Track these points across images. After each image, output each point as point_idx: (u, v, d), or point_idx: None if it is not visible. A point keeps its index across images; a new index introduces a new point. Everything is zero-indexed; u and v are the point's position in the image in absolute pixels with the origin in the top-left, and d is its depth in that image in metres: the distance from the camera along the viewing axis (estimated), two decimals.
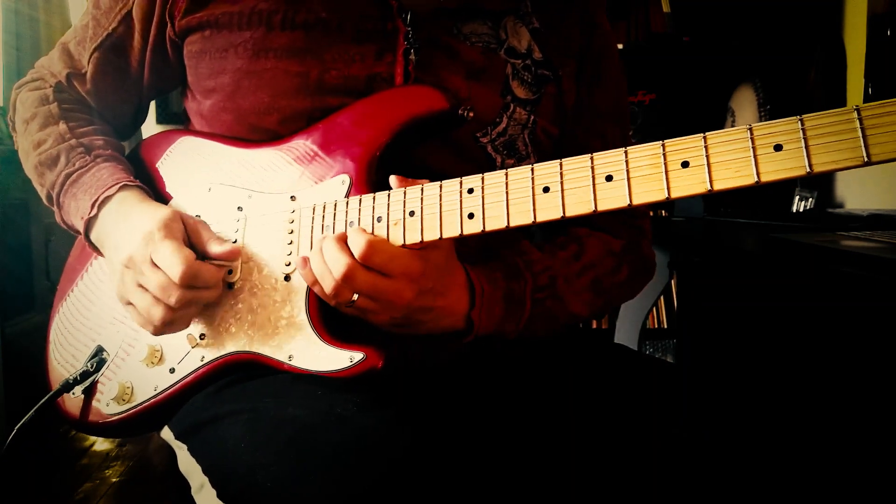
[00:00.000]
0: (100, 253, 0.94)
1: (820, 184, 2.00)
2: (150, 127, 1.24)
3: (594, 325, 2.72)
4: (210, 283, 0.84)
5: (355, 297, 0.77)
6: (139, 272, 0.83)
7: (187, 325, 0.86)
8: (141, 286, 0.83)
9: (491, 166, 0.93)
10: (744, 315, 1.78)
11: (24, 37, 2.89)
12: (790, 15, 2.20)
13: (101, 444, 2.41)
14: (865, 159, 0.57)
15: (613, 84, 1.04)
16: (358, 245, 0.75)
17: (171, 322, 0.83)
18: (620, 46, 2.63)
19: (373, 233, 0.79)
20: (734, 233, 1.70)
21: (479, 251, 0.91)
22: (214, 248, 0.85)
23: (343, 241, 0.77)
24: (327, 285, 0.77)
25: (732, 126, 2.20)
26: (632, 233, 1.03)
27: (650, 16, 2.55)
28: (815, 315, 1.44)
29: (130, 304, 0.86)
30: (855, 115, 0.58)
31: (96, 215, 0.90)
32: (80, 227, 0.92)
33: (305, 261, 0.79)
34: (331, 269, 0.76)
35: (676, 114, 2.29)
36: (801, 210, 1.92)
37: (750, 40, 2.27)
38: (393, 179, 0.79)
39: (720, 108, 2.23)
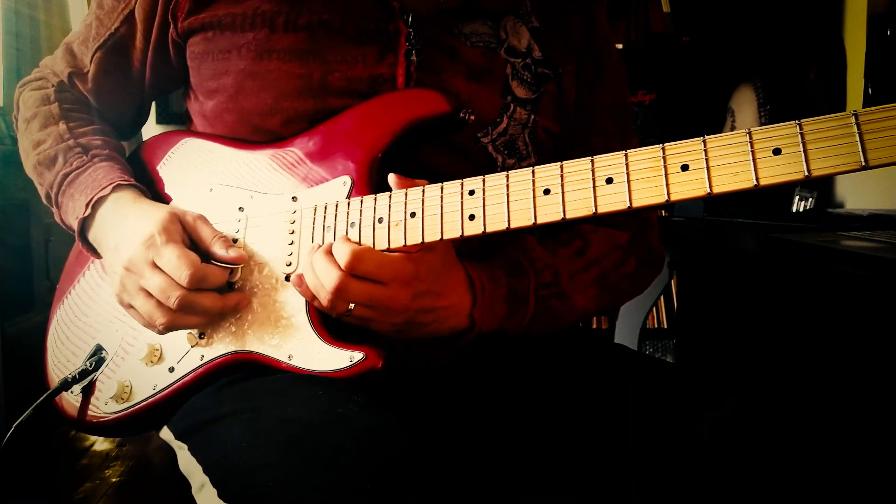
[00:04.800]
0: (95, 254, 0.94)
1: (820, 184, 2.00)
2: (150, 127, 1.24)
3: (594, 325, 2.72)
4: (217, 285, 0.84)
5: (351, 306, 0.77)
6: (140, 275, 0.83)
7: (192, 327, 0.86)
8: (143, 289, 0.83)
9: (492, 166, 0.94)
10: (744, 315, 1.78)
11: (24, 37, 2.89)
12: (790, 15, 2.20)
13: (101, 444, 2.41)
14: (863, 163, 0.58)
15: (614, 81, 1.04)
16: (342, 256, 0.75)
17: (173, 325, 0.83)
18: (620, 46, 2.63)
19: (374, 234, 0.79)
20: (734, 233, 1.70)
21: (482, 249, 0.91)
22: (220, 252, 0.85)
23: (331, 252, 0.78)
24: (323, 298, 0.77)
25: (732, 126, 2.20)
26: (638, 224, 1.03)
27: (650, 16, 2.55)
28: (815, 315, 1.44)
29: (131, 307, 0.86)
30: (853, 119, 0.59)
31: (91, 215, 0.91)
32: (76, 227, 0.92)
33: (301, 279, 0.79)
34: (322, 282, 0.76)
35: (676, 114, 2.29)
36: (801, 210, 1.92)
37: (750, 40, 2.26)
38: (392, 178, 0.79)
39: (720, 108, 2.23)
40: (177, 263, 0.81)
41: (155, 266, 0.82)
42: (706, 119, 2.25)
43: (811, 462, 0.78)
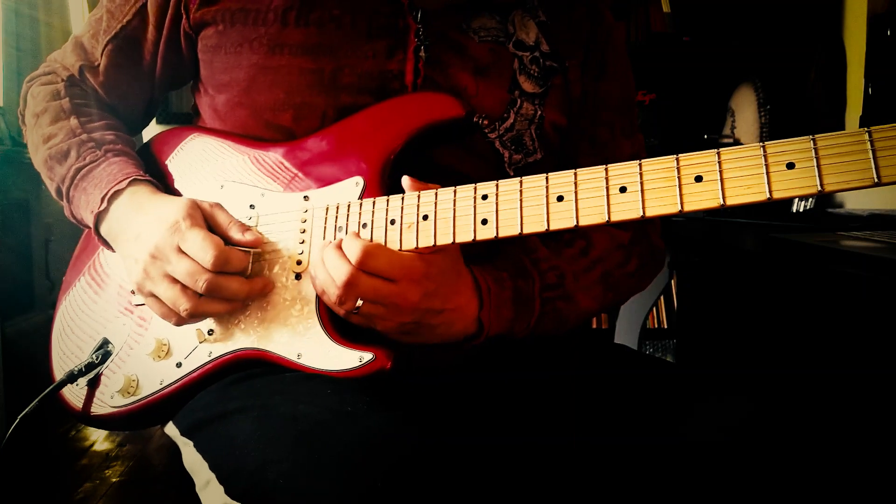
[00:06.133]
0: (109, 247, 0.94)
1: None
2: (151, 127, 1.24)
3: (594, 325, 2.72)
4: (239, 269, 0.84)
5: (360, 303, 0.77)
6: (166, 261, 0.83)
7: (216, 315, 0.86)
8: (167, 276, 0.83)
9: (498, 161, 0.94)
10: (744, 315, 1.78)
11: (24, 37, 2.89)
12: (790, 15, 2.21)
13: (101, 444, 2.40)
14: (876, 180, 0.59)
15: (618, 75, 1.04)
16: (353, 251, 0.76)
17: (197, 311, 0.83)
18: None
19: (385, 235, 0.79)
20: (734, 233, 1.70)
21: (485, 248, 0.92)
22: (237, 235, 0.85)
23: (341, 247, 0.78)
24: (332, 294, 0.77)
25: (732, 126, 2.19)
26: (639, 223, 1.03)
27: (650, 16, 2.55)
28: (814, 315, 1.44)
29: (153, 295, 0.85)
30: (866, 136, 0.59)
31: (106, 209, 0.90)
32: (90, 220, 0.92)
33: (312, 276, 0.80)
34: (333, 277, 0.76)
35: (676, 114, 2.30)
36: (801, 210, 1.92)
37: (750, 40, 2.27)
38: (406, 181, 0.79)
39: (720, 108, 2.23)
40: (202, 245, 0.81)
41: (180, 251, 0.82)
42: (706, 119, 2.25)
43: (812, 462, 0.78)
